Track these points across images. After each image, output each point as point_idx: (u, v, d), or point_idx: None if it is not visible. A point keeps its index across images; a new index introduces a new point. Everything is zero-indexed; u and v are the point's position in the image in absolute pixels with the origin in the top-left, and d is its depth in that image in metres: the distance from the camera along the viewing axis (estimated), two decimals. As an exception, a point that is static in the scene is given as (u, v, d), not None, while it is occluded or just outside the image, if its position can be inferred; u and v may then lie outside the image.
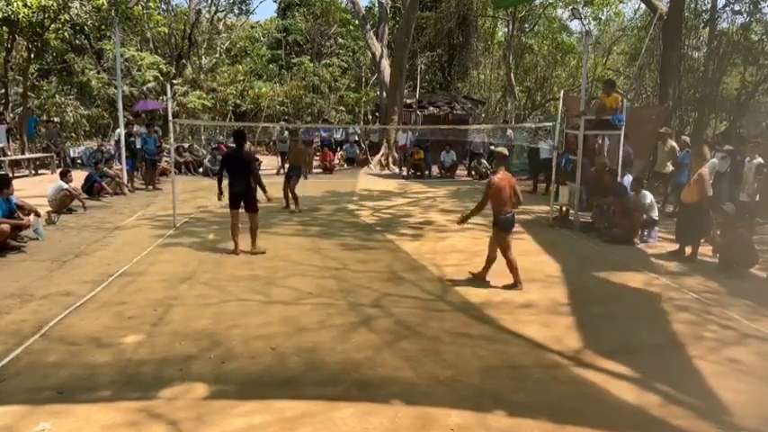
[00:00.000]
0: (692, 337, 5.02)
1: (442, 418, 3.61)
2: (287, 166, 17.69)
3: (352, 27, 31.49)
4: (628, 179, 9.85)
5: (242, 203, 7.57)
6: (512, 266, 6.31)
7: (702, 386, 4.08)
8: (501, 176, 6.53)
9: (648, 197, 8.98)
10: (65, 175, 10.51)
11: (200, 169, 17.36)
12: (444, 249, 8.24)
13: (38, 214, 8.41)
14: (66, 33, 19.65)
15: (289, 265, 7.15)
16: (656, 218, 9.04)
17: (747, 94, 16.86)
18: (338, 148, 21.39)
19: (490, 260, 6.49)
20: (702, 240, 8.35)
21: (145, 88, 22.56)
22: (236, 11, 30.27)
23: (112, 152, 16.41)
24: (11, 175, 12.68)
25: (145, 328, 5.02)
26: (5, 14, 14.61)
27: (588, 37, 11.74)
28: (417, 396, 3.87)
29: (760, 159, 8.49)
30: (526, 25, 29.47)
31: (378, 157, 20.17)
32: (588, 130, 9.80)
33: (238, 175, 7.47)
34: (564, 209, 10.37)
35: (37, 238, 8.20)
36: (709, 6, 18.07)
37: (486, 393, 3.93)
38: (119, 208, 11.21)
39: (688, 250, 7.84)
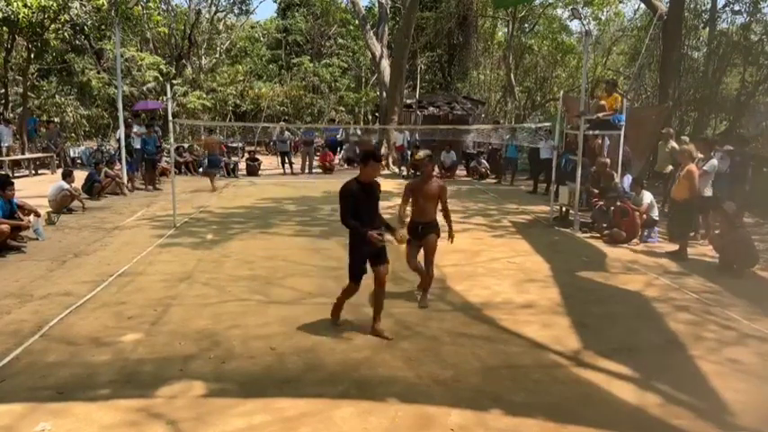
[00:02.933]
0: (692, 337, 5.02)
1: (442, 417, 3.61)
2: (287, 165, 17.90)
3: (352, 27, 31.52)
4: (627, 179, 9.86)
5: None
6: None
7: (702, 386, 4.07)
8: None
9: (648, 197, 8.98)
10: (67, 176, 10.51)
11: (201, 169, 17.36)
12: (444, 249, 8.19)
13: (37, 214, 8.41)
14: (66, 33, 19.69)
15: (289, 265, 7.14)
16: (657, 218, 9.04)
17: (747, 94, 16.87)
18: (338, 149, 21.41)
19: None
20: (703, 240, 8.36)
21: (145, 88, 22.60)
22: (236, 11, 30.33)
23: (112, 152, 16.46)
24: (11, 175, 12.68)
25: (144, 327, 5.02)
26: (5, 14, 14.63)
27: (588, 37, 11.74)
28: (417, 396, 3.87)
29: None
30: (526, 25, 29.49)
31: (377, 157, 20.15)
32: (588, 130, 9.80)
33: (372, 216, 4.78)
34: (564, 209, 10.36)
35: (37, 239, 8.20)
36: (709, 6, 18.09)
37: (485, 393, 3.92)
38: (119, 208, 11.21)
39: (678, 247, 7.86)
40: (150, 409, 3.67)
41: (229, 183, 15.62)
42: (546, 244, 8.60)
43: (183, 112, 22.92)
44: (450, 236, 5.86)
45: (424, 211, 5.73)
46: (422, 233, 5.71)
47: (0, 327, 4.97)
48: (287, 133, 18.68)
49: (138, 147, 14.10)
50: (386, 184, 15.59)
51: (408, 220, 5.81)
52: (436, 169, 17.42)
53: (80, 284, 6.17)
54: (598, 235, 9.16)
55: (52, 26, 17.29)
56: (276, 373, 4.19)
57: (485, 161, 17.92)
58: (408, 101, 21.82)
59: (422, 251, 5.80)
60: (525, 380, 4.17)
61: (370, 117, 30.40)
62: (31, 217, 8.20)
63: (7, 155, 15.55)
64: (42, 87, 22.37)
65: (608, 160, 9.98)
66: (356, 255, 4.80)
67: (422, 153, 5.87)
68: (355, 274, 4.82)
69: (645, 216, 8.84)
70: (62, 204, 10.17)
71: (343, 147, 21.27)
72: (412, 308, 5.69)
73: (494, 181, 16.93)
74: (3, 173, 11.13)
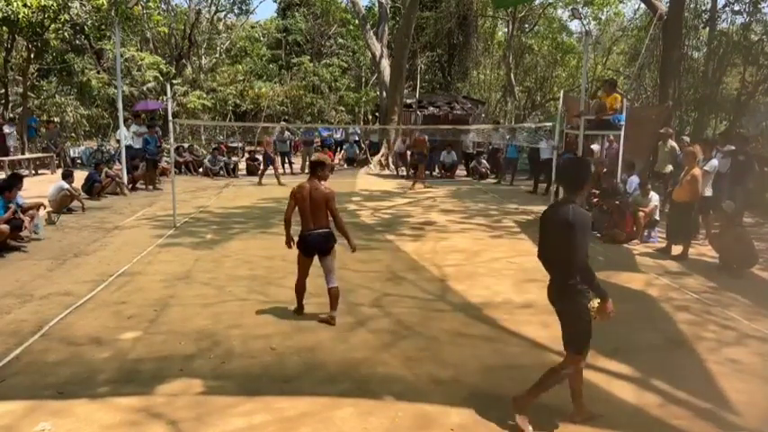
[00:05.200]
0: (692, 337, 5.02)
1: (442, 417, 3.61)
2: (287, 165, 17.88)
3: (352, 27, 31.50)
4: (633, 180, 9.84)
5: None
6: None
7: (702, 386, 4.07)
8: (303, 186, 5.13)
9: (655, 199, 8.97)
10: (68, 177, 10.52)
11: (201, 169, 17.37)
12: (444, 249, 8.23)
13: (38, 208, 8.47)
14: (66, 33, 19.66)
15: (288, 265, 7.10)
16: (658, 218, 9.03)
17: (747, 94, 16.87)
18: (338, 149, 21.40)
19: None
20: (703, 240, 8.36)
21: (145, 88, 22.57)
22: (236, 11, 30.32)
23: (112, 152, 16.45)
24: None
25: (144, 327, 5.02)
26: (5, 14, 14.62)
27: (588, 37, 11.76)
28: (417, 396, 3.87)
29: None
30: (526, 25, 29.51)
31: (378, 157, 20.17)
32: (588, 130, 9.81)
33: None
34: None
35: (36, 233, 8.20)
36: (709, 6, 18.09)
37: (485, 393, 3.92)
38: (119, 208, 11.21)
39: (676, 249, 7.85)
40: (150, 408, 3.67)
41: (229, 183, 15.62)
42: (546, 244, 8.58)
43: (183, 111, 22.90)
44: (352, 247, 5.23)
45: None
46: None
47: (0, 326, 4.97)
48: (287, 133, 18.69)
49: (139, 146, 14.07)
50: (386, 184, 15.73)
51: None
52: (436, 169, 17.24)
53: (80, 284, 6.17)
54: (598, 235, 9.16)
55: (52, 26, 17.27)
56: (276, 373, 4.20)
57: (485, 161, 17.92)
58: (408, 101, 21.82)
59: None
60: (525, 380, 4.15)
61: (370, 117, 30.39)
62: (36, 212, 8.26)
63: (14, 154, 15.62)
64: (42, 87, 22.35)
65: (606, 160, 10.00)
66: (587, 319, 3.40)
67: (318, 154, 5.29)
68: (584, 347, 3.50)
69: (648, 217, 8.83)
70: (62, 204, 10.18)
71: (344, 147, 21.27)
72: (412, 308, 5.69)
73: (494, 181, 16.94)
74: (18, 173, 11.00)
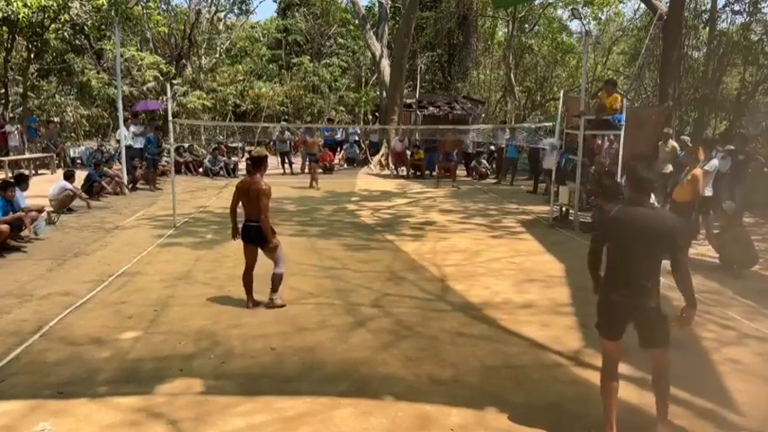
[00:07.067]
0: (692, 337, 5.01)
1: (442, 417, 3.61)
2: (287, 165, 17.90)
3: (352, 27, 31.51)
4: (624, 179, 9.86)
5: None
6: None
7: (702, 386, 4.08)
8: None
9: (650, 198, 8.96)
10: (69, 177, 10.53)
11: (201, 169, 17.37)
12: (444, 249, 8.23)
13: (40, 211, 8.50)
14: (66, 33, 19.68)
15: (288, 264, 7.13)
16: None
17: (747, 94, 16.88)
18: (338, 149, 21.39)
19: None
20: (703, 240, 8.35)
21: (145, 88, 22.56)
22: (236, 11, 30.29)
23: (112, 152, 16.45)
24: (10, 174, 12.68)
25: (144, 327, 5.02)
26: (5, 14, 14.63)
27: (588, 37, 11.75)
28: (417, 396, 3.87)
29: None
30: (526, 25, 29.51)
31: (378, 157, 20.17)
32: (588, 130, 9.81)
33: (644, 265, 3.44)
34: (564, 209, 10.37)
35: (38, 234, 8.22)
36: (709, 6, 18.10)
37: (485, 393, 3.92)
38: (119, 208, 11.21)
39: None
40: (150, 408, 3.67)
41: (229, 183, 15.62)
42: (546, 244, 8.60)
43: (183, 112, 22.88)
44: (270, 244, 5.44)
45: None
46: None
47: (0, 326, 4.97)
48: (287, 133, 18.68)
49: (139, 146, 14.07)
50: (386, 184, 15.74)
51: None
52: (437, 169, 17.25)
53: (80, 284, 6.17)
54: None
55: (52, 26, 17.30)
56: (276, 373, 4.20)
57: (485, 161, 17.92)
58: (408, 101, 21.81)
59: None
60: (525, 380, 4.17)
61: (370, 117, 30.40)
62: (37, 213, 8.28)
63: (14, 154, 15.65)
64: (42, 87, 22.34)
65: (606, 160, 9.99)
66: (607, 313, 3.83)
67: (257, 149, 5.86)
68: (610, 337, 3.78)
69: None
70: (63, 204, 10.19)
71: (344, 146, 21.27)
72: (412, 308, 5.69)
73: (494, 181, 16.94)
74: (25, 174, 10.98)
